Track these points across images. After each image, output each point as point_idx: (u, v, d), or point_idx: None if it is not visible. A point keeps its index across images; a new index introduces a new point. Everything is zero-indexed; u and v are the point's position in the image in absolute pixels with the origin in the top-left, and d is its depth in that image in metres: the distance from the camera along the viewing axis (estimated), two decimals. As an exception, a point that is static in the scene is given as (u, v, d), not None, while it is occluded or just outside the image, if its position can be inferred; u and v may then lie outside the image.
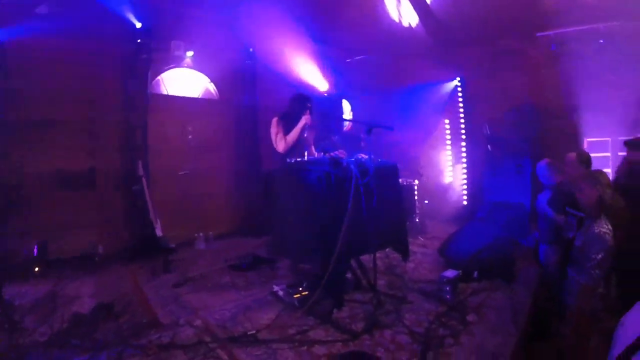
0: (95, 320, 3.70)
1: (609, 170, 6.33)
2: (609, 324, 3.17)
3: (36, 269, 5.04)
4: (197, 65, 7.15)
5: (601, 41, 6.87)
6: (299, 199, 3.73)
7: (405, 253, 4.29)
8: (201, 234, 6.50)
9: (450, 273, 4.22)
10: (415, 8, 7.96)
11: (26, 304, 4.11)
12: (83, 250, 5.59)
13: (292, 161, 3.91)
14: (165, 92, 6.92)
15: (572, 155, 4.41)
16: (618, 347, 1.73)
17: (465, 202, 8.33)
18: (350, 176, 3.55)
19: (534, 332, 3.41)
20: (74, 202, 5.67)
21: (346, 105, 9.80)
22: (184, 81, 7.17)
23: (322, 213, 3.49)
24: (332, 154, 3.94)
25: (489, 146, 7.91)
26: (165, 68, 6.84)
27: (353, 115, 9.73)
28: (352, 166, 3.58)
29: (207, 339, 3.35)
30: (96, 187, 5.90)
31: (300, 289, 4.03)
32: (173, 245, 5.91)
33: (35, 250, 5.14)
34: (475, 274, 4.57)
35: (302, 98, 4.58)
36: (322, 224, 3.48)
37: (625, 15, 6.49)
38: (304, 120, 4.42)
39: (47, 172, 5.47)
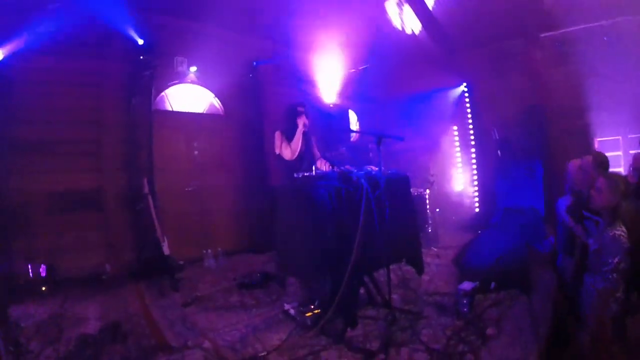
0: (101, 342, 3.62)
1: (621, 170, 6.15)
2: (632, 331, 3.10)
3: (43, 288, 4.99)
4: (201, 81, 7.14)
5: (605, 38, 6.75)
6: (307, 216, 3.60)
7: (419, 267, 4.15)
8: (209, 251, 6.38)
9: (467, 285, 4.06)
10: (417, 15, 7.91)
11: (32, 325, 4.03)
12: (90, 270, 5.55)
13: (300, 176, 3.81)
14: (169, 109, 6.90)
15: (588, 158, 4.26)
16: None
17: (477, 209, 8.18)
18: (361, 190, 3.44)
19: (555, 340, 3.29)
20: (80, 222, 5.65)
21: (352, 116, 9.74)
22: (189, 97, 7.16)
23: (333, 229, 3.37)
24: (341, 168, 3.85)
25: (498, 151, 7.78)
26: (169, 84, 6.82)
27: (360, 125, 9.66)
28: (362, 180, 3.46)
29: (217, 362, 3.24)
30: (102, 206, 5.87)
31: (312, 307, 3.89)
32: (181, 263, 5.84)
33: (41, 270, 5.10)
34: (493, 285, 4.42)
35: (292, 106, 4.57)
36: (333, 240, 3.36)
37: (628, 10, 6.38)
38: (301, 122, 4.40)
39: (52, 192, 5.45)
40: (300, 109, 4.51)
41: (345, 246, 3.33)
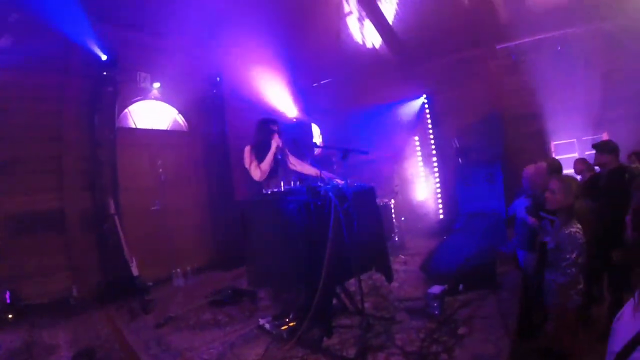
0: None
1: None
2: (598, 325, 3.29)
3: (9, 316, 4.79)
4: (165, 97, 7.08)
5: (559, 48, 7.18)
6: (278, 230, 3.66)
7: (389, 275, 4.24)
8: (178, 270, 6.29)
9: (436, 289, 4.20)
10: (378, 29, 8.17)
11: (2, 355, 3.91)
12: (56, 294, 5.37)
13: (269, 192, 3.84)
14: (133, 126, 6.79)
15: (543, 165, 4.52)
16: (617, 343, 1.73)
17: (441, 216, 8.42)
18: (329, 204, 3.51)
19: (523, 332, 3.47)
20: (43, 244, 5.44)
21: (315, 130, 9.86)
22: (152, 114, 7.07)
23: (304, 243, 3.43)
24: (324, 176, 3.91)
25: (459, 159, 8.07)
26: (132, 101, 6.73)
27: (324, 139, 9.79)
28: (330, 193, 3.54)
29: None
30: (65, 227, 5.67)
31: (287, 319, 3.92)
32: (150, 284, 5.73)
33: (6, 297, 4.88)
34: (461, 287, 4.58)
35: (266, 123, 4.43)
36: (304, 254, 3.42)
37: (576, 21, 6.83)
38: (274, 143, 4.27)
39: (11, 214, 5.24)
40: (274, 127, 4.36)
41: (316, 258, 3.38)
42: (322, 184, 3.84)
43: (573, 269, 3.10)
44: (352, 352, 3.42)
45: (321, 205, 3.53)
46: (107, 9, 5.57)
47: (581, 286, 3.19)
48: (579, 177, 5.36)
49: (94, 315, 5.04)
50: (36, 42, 5.20)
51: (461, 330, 3.64)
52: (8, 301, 4.88)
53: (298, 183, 4.25)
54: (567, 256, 3.11)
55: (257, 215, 3.99)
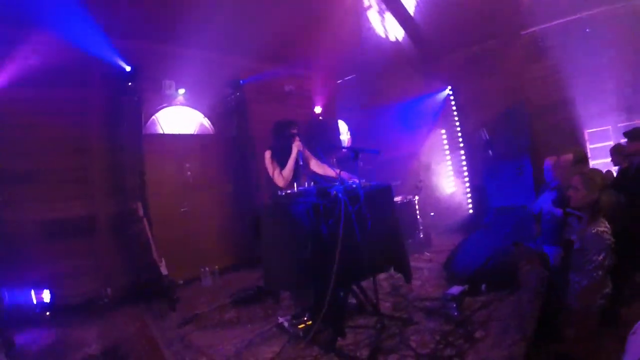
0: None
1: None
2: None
3: (47, 313, 5.10)
4: (190, 102, 7.26)
5: (587, 30, 6.82)
6: (287, 231, 3.71)
7: (407, 274, 4.17)
8: (206, 270, 6.46)
9: (455, 289, 4.12)
10: (400, 22, 8.04)
11: (36, 350, 4.18)
12: (89, 294, 5.65)
13: (282, 194, 3.87)
14: (161, 132, 7.01)
15: (569, 156, 4.34)
16: (630, 357, 1.68)
17: (471, 210, 8.23)
18: (340, 205, 3.49)
19: (542, 337, 3.33)
20: (75, 248, 5.70)
21: (342, 126, 9.83)
22: (179, 119, 7.27)
23: (312, 244, 3.43)
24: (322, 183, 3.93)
25: (490, 151, 7.85)
26: (159, 107, 6.94)
27: (350, 134, 9.75)
28: (340, 195, 3.53)
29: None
30: (97, 231, 5.93)
31: (305, 318, 3.98)
32: (181, 282, 5.96)
33: (45, 296, 5.18)
34: (483, 287, 4.44)
35: (284, 126, 4.34)
36: (313, 254, 3.42)
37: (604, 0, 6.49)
38: (295, 148, 4.21)
39: (45, 221, 5.48)
40: (293, 130, 4.28)
41: (326, 259, 3.38)
42: (337, 184, 3.83)
43: (599, 272, 2.96)
44: (365, 352, 3.43)
45: (330, 207, 3.52)
46: (130, 23, 5.78)
47: (608, 290, 3.05)
48: (616, 168, 5.10)
49: (124, 314, 5.29)
50: (60, 58, 5.44)
51: (478, 334, 3.54)
52: (46, 300, 5.17)
53: (312, 184, 4.20)
54: (593, 258, 2.98)
55: (269, 217, 4.05)
